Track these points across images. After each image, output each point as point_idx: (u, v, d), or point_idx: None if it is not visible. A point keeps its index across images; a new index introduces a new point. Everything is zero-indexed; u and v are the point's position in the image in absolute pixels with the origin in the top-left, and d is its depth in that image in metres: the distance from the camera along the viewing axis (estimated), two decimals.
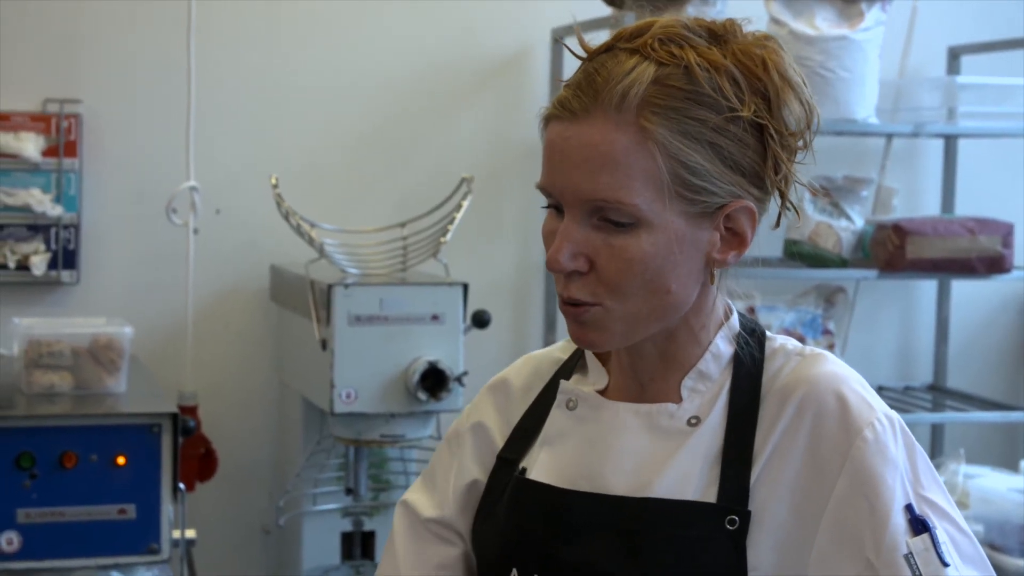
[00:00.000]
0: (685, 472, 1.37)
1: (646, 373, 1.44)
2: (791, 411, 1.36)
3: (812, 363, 1.40)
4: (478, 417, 1.56)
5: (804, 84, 1.38)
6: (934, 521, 1.33)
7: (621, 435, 1.42)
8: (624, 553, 1.36)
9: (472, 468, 1.53)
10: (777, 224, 1.42)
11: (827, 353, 1.42)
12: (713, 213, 1.35)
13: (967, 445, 3.61)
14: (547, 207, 1.39)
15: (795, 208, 1.41)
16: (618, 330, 1.37)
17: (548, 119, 1.37)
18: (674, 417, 1.40)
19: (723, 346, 1.42)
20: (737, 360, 1.42)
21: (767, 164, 1.36)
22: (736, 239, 1.38)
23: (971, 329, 4.15)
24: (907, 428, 1.38)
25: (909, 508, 1.33)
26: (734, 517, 1.33)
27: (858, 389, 1.37)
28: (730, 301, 1.46)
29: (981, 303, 4.14)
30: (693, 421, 1.39)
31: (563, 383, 1.49)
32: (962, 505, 3.39)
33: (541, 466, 1.45)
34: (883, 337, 4.09)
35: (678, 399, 1.41)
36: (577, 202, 1.33)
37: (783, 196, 1.39)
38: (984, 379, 4.12)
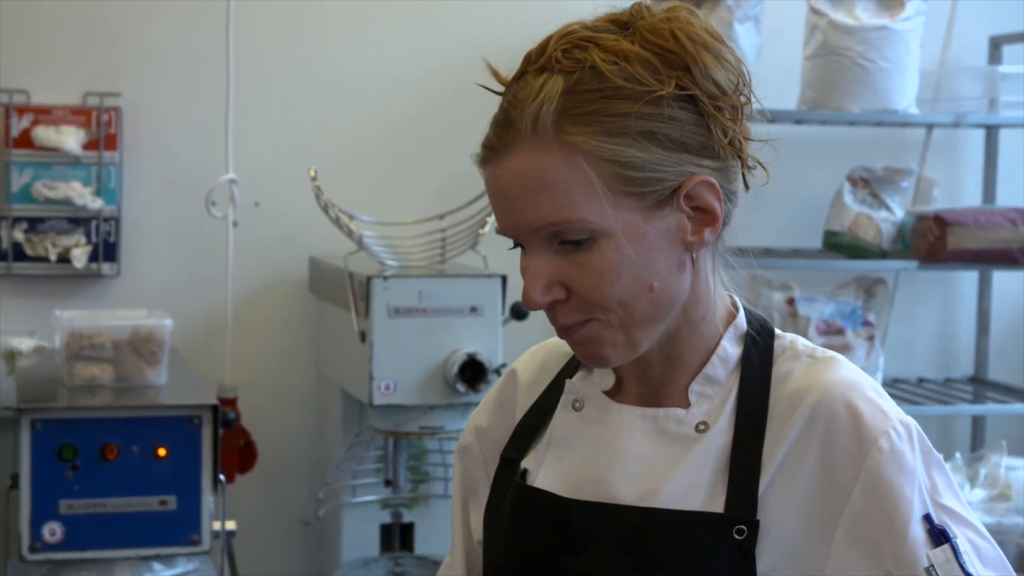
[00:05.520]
0: (692, 480, 1.34)
1: (655, 378, 1.40)
2: (801, 420, 1.32)
3: (823, 369, 1.35)
4: (481, 421, 1.55)
5: (722, 43, 1.34)
6: (954, 530, 1.30)
7: (628, 440, 1.38)
8: (630, 564, 1.33)
9: (481, 496, 1.51)
10: (747, 186, 1.38)
11: (839, 356, 1.38)
12: (669, 198, 1.31)
13: (1009, 437, 3.58)
14: (514, 247, 1.37)
15: (761, 165, 1.36)
16: (620, 339, 1.33)
17: (481, 164, 1.38)
18: (682, 423, 1.37)
19: (730, 348, 1.38)
20: (745, 362, 1.38)
21: (712, 133, 1.32)
22: (706, 216, 1.33)
23: (1012, 320, 4.11)
24: (923, 434, 1.34)
25: (928, 518, 1.30)
26: (742, 527, 1.30)
27: (872, 396, 1.33)
28: (736, 297, 1.42)
29: (1023, 294, 4.11)
30: (701, 427, 1.36)
31: (569, 382, 1.46)
32: (1004, 497, 3.37)
33: (546, 472, 1.42)
34: (923, 329, 4.06)
35: (686, 403, 1.38)
36: (530, 234, 1.32)
37: (740, 157, 1.34)
38: None
